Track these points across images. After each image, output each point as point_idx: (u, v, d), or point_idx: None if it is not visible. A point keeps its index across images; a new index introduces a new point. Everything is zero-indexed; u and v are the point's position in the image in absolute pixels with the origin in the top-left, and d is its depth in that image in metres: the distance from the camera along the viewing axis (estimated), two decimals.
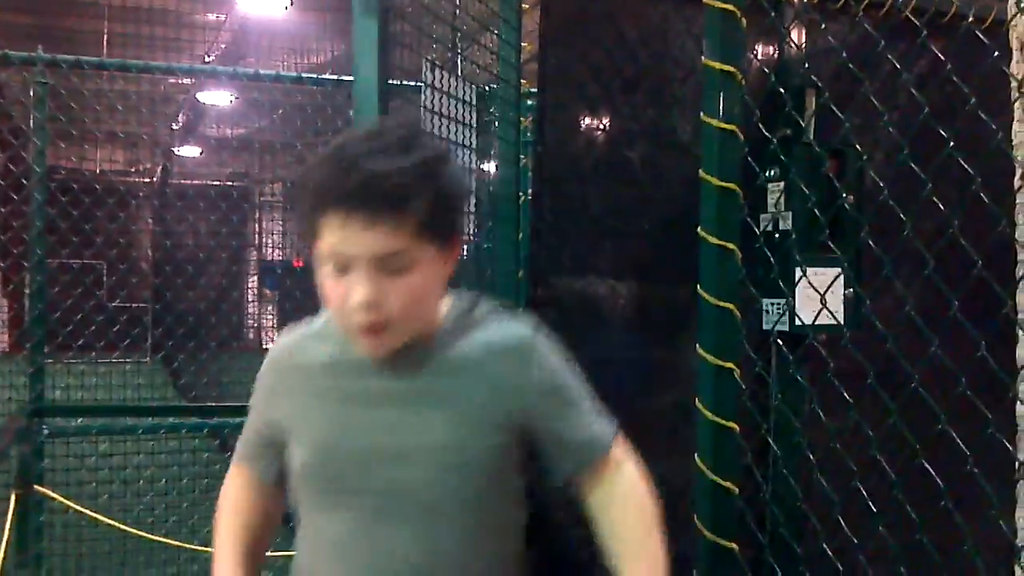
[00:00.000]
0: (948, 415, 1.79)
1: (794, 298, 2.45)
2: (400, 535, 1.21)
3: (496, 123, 3.17)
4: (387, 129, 1.21)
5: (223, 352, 6.55)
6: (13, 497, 2.37)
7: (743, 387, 1.77)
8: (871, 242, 2.16)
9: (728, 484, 1.73)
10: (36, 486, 2.54)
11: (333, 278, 1.18)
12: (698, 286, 1.82)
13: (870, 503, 1.86)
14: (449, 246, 1.23)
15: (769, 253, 2.19)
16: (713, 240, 1.78)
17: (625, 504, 1.31)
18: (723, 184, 1.80)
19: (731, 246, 1.78)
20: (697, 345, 1.79)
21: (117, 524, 2.77)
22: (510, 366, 1.28)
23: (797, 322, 2.38)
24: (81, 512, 2.67)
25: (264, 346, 8.54)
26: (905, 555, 1.78)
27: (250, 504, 1.41)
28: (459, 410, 1.24)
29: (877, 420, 1.98)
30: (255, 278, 10.94)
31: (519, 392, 1.28)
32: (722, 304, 1.76)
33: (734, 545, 1.70)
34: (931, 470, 1.80)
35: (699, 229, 1.83)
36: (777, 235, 2.61)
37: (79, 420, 3.36)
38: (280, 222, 9.78)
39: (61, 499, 2.62)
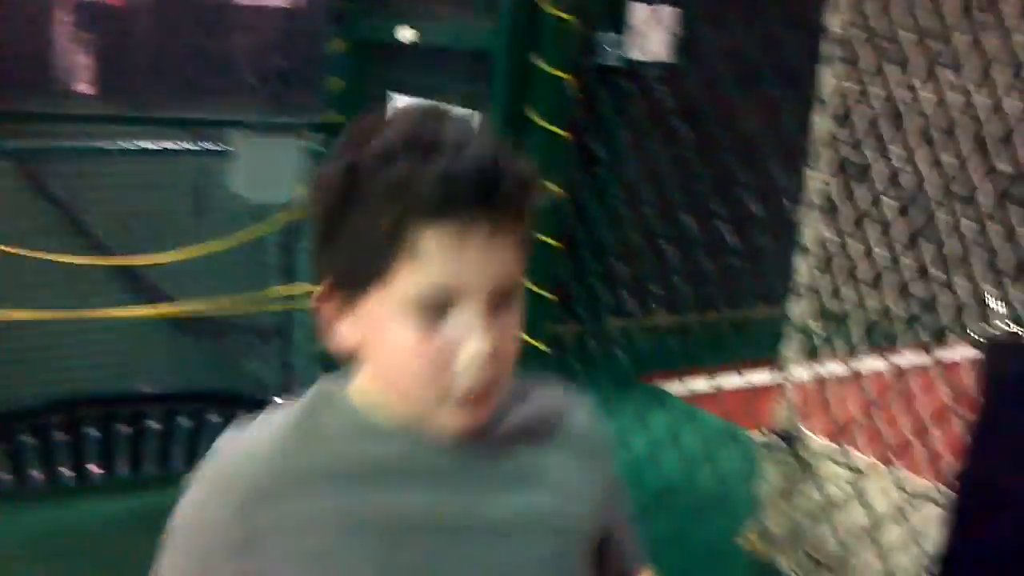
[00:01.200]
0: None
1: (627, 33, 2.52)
2: None
3: None
4: (444, 114, 0.84)
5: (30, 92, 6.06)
6: None
7: (574, 95, 1.85)
8: None
9: (555, 188, 1.85)
10: None
11: (420, 327, 0.81)
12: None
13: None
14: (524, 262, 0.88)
15: None
16: None
17: None
18: None
19: None
20: (535, 54, 1.84)
21: None
22: (592, 463, 0.99)
23: (631, 56, 2.46)
24: None
25: (73, 87, 7.84)
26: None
27: None
28: (553, 528, 0.93)
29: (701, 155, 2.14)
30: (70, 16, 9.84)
31: (605, 495, 1.00)
32: (563, 15, 1.80)
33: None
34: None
35: None
36: None
37: None
38: None
39: None
